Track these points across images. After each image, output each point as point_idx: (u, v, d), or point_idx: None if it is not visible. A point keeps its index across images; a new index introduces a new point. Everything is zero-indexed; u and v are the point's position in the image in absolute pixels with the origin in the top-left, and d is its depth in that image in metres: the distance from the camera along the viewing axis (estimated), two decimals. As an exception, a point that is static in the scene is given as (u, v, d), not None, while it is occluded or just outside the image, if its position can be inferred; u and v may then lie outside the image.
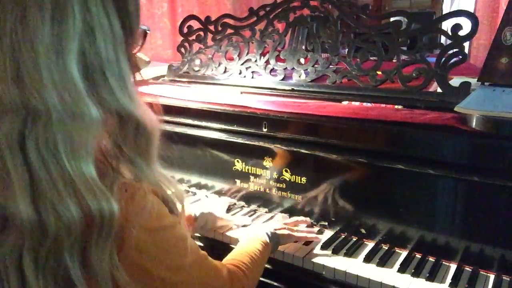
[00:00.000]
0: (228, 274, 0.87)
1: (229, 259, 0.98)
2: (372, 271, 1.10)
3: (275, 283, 1.21)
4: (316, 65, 1.43)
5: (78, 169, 0.60)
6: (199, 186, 1.55)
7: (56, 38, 0.59)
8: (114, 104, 0.64)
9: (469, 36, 1.19)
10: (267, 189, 1.38)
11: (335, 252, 1.18)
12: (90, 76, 0.62)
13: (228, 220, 1.31)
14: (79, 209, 0.60)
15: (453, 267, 1.11)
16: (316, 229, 1.28)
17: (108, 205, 0.61)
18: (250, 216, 1.39)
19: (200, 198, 1.51)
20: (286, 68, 1.49)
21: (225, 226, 1.30)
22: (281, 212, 1.38)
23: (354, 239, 1.24)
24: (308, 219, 1.31)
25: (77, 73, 0.60)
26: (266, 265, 1.22)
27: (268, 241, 1.09)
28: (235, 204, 1.46)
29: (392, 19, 1.35)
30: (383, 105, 1.26)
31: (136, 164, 0.68)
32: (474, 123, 0.99)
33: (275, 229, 1.16)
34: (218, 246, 1.27)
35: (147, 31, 0.75)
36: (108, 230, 0.62)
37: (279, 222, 1.26)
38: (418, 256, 1.15)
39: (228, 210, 1.42)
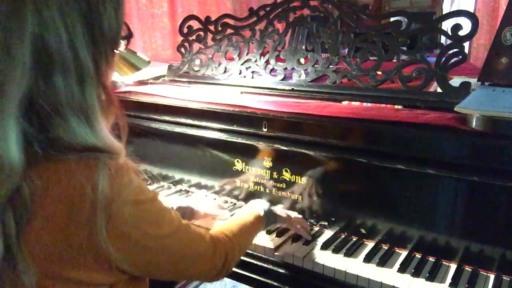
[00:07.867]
0: (211, 239, 0.93)
1: (218, 226, 1.05)
2: (372, 271, 1.10)
3: (275, 283, 1.21)
4: (316, 65, 1.43)
5: None
6: (199, 186, 1.55)
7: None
8: (73, 140, 0.65)
9: (469, 36, 1.20)
10: (267, 189, 1.38)
11: (335, 252, 1.18)
12: (37, 117, 0.64)
13: (213, 214, 1.32)
14: None
15: (453, 267, 1.10)
16: (313, 231, 1.28)
17: None
18: None
19: (191, 194, 1.53)
20: (286, 68, 1.49)
21: (206, 221, 1.31)
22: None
23: (354, 239, 1.24)
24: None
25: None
26: (266, 266, 1.23)
27: (261, 215, 1.17)
28: (235, 204, 1.46)
29: (392, 19, 1.35)
30: (383, 105, 1.26)
31: None
32: (474, 123, 1.00)
33: (273, 208, 1.23)
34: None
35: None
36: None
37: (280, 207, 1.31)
38: (418, 256, 1.15)
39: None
